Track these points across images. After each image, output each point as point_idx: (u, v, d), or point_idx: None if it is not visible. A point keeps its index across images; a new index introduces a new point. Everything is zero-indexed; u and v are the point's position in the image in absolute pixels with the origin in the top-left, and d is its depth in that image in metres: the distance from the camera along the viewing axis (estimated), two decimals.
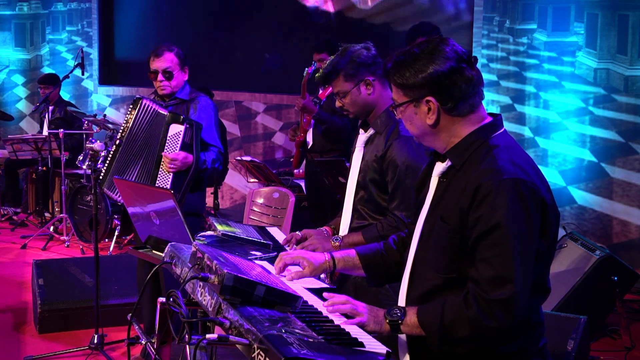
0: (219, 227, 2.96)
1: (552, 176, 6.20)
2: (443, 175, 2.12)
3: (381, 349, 1.88)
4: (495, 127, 2.09)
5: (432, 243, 2.10)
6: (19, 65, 11.29)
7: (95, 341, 4.27)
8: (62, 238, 7.01)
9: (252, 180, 6.60)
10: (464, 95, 2.04)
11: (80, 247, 6.77)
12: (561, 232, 4.89)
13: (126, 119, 4.13)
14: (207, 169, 4.04)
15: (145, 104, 4.07)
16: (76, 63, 6.88)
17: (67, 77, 6.97)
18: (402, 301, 2.20)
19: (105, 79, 10.38)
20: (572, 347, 3.73)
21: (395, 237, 2.45)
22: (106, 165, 4.17)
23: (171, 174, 3.92)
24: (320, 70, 3.15)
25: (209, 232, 3.02)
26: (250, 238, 2.97)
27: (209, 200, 7.11)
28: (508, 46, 6.56)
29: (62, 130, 6.94)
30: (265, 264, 2.57)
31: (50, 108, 8.01)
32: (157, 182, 3.94)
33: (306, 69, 5.60)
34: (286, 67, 8.29)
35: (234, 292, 1.93)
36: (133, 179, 4.00)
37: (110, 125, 6.59)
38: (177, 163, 3.90)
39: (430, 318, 1.99)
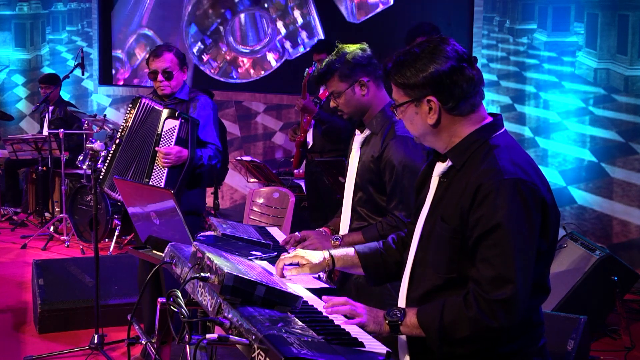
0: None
1: (552, 176, 6.20)
2: (443, 176, 2.12)
3: (381, 349, 1.88)
4: (495, 127, 2.09)
5: (432, 243, 2.10)
6: (19, 65, 11.29)
7: (95, 341, 4.27)
8: (62, 238, 7.01)
9: (252, 180, 6.60)
10: (465, 95, 2.04)
11: (80, 247, 6.77)
12: (561, 232, 4.89)
13: (125, 118, 4.15)
14: (204, 165, 4.04)
15: (144, 102, 4.08)
16: (76, 63, 6.88)
17: (67, 77, 6.97)
18: (402, 301, 2.20)
19: (105, 79, 10.38)
20: (572, 347, 3.73)
21: (395, 236, 2.45)
22: (106, 165, 4.17)
23: (166, 168, 3.93)
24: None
25: (209, 232, 3.03)
26: (250, 238, 2.97)
27: (209, 200, 7.11)
28: (508, 46, 6.56)
29: (62, 130, 6.95)
30: (265, 264, 2.57)
31: (50, 108, 8.02)
32: (152, 177, 3.95)
33: (307, 69, 5.61)
34: (286, 67, 8.29)
35: (234, 292, 1.93)
36: (130, 176, 4.01)
37: (110, 125, 6.61)
38: (171, 157, 3.91)
39: (430, 318, 1.99)
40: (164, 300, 2.00)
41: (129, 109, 4.14)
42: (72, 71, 6.86)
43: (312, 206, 5.81)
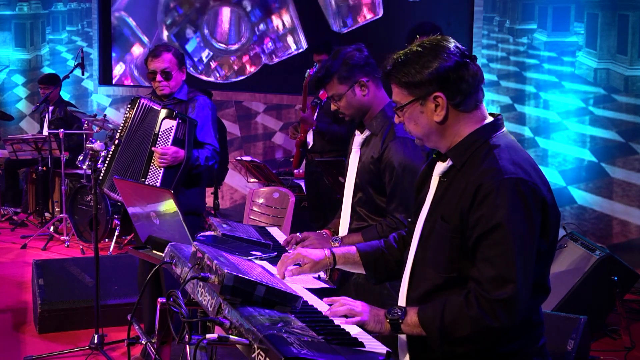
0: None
1: (552, 176, 6.20)
2: (444, 175, 2.12)
3: (381, 349, 1.88)
4: (496, 127, 2.09)
5: (432, 242, 2.10)
6: (19, 65, 11.29)
7: (95, 341, 4.27)
8: (62, 238, 7.01)
9: (252, 180, 6.60)
10: (471, 90, 2.04)
11: (80, 247, 6.77)
12: (561, 232, 4.89)
13: (124, 118, 4.15)
14: (200, 166, 4.05)
15: (143, 102, 4.08)
16: (76, 63, 6.89)
17: (67, 77, 6.97)
18: (402, 301, 2.19)
19: (105, 79, 10.38)
20: (572, 347, 3.73)
21: (396, 235, 2.45)
22: (105, 165, 4.17)
23: (162, 168, 3.93)
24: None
25: (209, 232, 3.03)
26: (250, 238, 2.97)
27: (209, 200, 7.11)
28: (508, 46, 6.56)
29: (62, 130, 6.94)
30: (265, 264, 2.57)
31: (50, 108, 8.02)
32: (148, 177, 3.96)
33: (308, 70, 5.60)
34: (286, 67, 8.30)
35: (234, 292, 1.93)
36: (127, 176, 4.01)
37: (110, 125, 6.61)
38: (167, 158, 3.91)
39: (430, 317, 1.99)
40: (164, 300, 2.00)
41: (128, 109, 4.15)
42: (72, 71, 6.86)
43: (312, 206, 5.81)
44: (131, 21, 9.95)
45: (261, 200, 5.63)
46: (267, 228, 3.38)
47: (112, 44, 10.20)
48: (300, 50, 8.25)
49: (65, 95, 9.43)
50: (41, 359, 4.29)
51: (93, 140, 6.58)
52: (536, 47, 6.40)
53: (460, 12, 6.84)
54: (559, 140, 6.28)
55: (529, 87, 6.43)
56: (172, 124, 3.96)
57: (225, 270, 1.92)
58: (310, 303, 2.18)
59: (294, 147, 5.90)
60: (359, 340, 1.91)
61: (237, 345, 1.80)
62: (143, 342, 4.10)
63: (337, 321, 2.05)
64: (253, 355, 1.72)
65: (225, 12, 8.87)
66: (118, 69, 10.24)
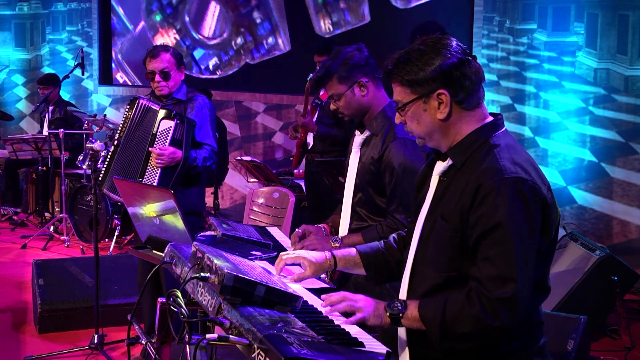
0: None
1: (552, 176, 6.20)
2: (444, 174, 2.12)
3: (381, 348, 1.88)
4: (496, 126, 2.10)
5: (432, 242, 2.10)
6: (19, 65, 11.29)
7: (95, 341, 4.27)
8: (62, 238, 7.01)
9: (252, 180, 6.60)
10: (474, 87, 2.05)
11: (80, 247, 6.77)
12: (561, 232, 4.89)
13: (124, 118, 4.15)
14: (198, 167, 4.05)
15: (142, 103, 4.09)
16: (76, 63, 6.89)
17: (67, 77, 6.97)
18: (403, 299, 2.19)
19: (105, 79, 10.38)
20: (572, 347, 3.72)
21: (396, 235, 2.45)
22: (105, 166, 4.17)
23: (159, 169, 3.93)
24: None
25: (209, 232, 3.02)
26: (250, 238, 2.97)
27: (209, 200, 7.11)
28: (508, 46, 6.56)
29: (62, 130, 6.94)
30: (265, 264, 2.57)
31: (50, 108, 8.01)
32: (145, 177, 3.96)
33: (310, 74, 5.58)
34: (286, 67, 8.29)
35: (234, 292, 1.93)
36: (125, 176, 4.01)
37: (110, 125, 6.61)
38: (165, 158, 3.92)
39: (431, 313, 1.99)
40: (164, 300, 2.00)
41: (127, 109, 4.15)
42: (72, 71, 6.86)
43: (312, 206, 5.81)
44: (120, 10, 10.03)
45: (261, 200, 5.63)
46: (267, 228, 3.38)
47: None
48: (284, 52, 8.33)
49: (65, 95, 9.44)
50: (41, 359, 4.29)
51: (93, 140, 6.57)
52: (536, 47, 6.40)
53: (460, 12, 6.84)
54: (559, 140, 6.28)
55: (529, 87, 6.43)
56: (170, 124, 3.96)
57: (225, 270, 1.92)
58: (310, 303, 2.18)
59: (294, 147, 5.90)
60: (359, 340, 1.91)
61: (237, 345, 1.80)
62: (143, 342, 4.10)
63: (337, 321, 2.05)
64: (253, 355, 1.72)
65: (211, 6, 8.92)
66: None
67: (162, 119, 3.98)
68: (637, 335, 4.64)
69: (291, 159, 6.53)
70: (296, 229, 3.08)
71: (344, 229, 3.14)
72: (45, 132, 7.63)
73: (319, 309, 2.14)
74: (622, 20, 5.96)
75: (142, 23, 9.75)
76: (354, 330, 1.99)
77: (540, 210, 1.97)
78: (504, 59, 6.57)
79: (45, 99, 7.55)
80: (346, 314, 2.09)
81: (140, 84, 9.81)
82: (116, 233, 6.69)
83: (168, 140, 3.95)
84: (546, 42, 6.35)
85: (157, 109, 4.02)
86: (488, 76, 6.48)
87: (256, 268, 2.28)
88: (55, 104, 8.03)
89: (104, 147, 6.14)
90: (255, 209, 5.65)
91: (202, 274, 2.00)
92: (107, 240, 6.82)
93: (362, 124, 3.10)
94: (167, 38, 9.41)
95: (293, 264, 2.40)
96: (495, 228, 1.93)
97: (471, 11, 6.69)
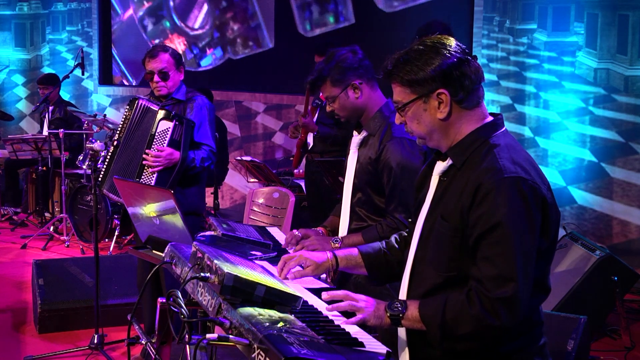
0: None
1: (552, 176, 6.20)
2: (444, 174, 2.12)
3: (381, 349, 1.88)
4: (496, 126, 2.10)
5: (432, 242, 2.10)
6: (19, 65, 11.29)
7: (95, 341, 4.27)
8: (62, 238, 7.01)
9: (252, 180, 6.60)
10: (474, 86, 2.05)
11: (80, 247, 6.77)
12: (561, 232, 4.89)
13: (123, 119, 4.15)
14: (196, 167, 4.04)
15: (141, 103, 4.09)
16: (76, 63, 6.89)
17: (67, 77, 6.97)
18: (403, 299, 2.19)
19: (105, 79, 10.38)
20: (572, 347, 3.72)
21: (397, 236, 2.45)
22: (105, 166, 4.17)
23: (156, 169, 3.93)
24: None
25: (209, 232, 3.03)
26: (250, 238, 2.97)
27: (209, 200, 7.11)
28: (508, 46, 6.56)
29: (62, 130, 6.94)
30: (265, 264, 2.57)
31: (50, 108, 8.01)
32: (143, 177, 3.96)
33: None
34: (286, 67, 8.30)
35: (234, 292, 1.93)
36: (124, 176, 4.01)
37: (110, 125, 6.61)
38: (161, 160, 3.91)
39: (432, 313, 1.99)
40: (164, 300, 2.00)
41: (126, 109, 4.15)
42: (72, 71, 6.86)
43: (312, 206, 5.80)
44: None
45: (261, 200, 5.63)
46: (267, 228, 3.38)
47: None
48: (266, 49, 8.46)
49: (65, 95, 9.44)
50: (41, 359, 4.29)
51: (93, 140, 6.58)
52: (536, 47, 6.40)
53: (460, 12, 6.84)
54: (559, 140, 6.28)
55: (529, 87, 6.43)
56: (168, 125, 3.96)
57: (225, 270, 1.92)
58: (310, 303, 2.18)
59: (294, 147, 5.90)
60: (359, 340, 1.91)
61: (237, 345, 1.80)
62: (143, 342, 4.10)
63: (337, 321, 2.05)
64: (253, 355, 1.72)
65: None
66: None
67: (161, 119, 3.98)
68: (637, 335, 4.64)
69: (291, 159, 6.53)
70: (294, 231, 3.09)
71: (343, 229, 3.15)
72: (45, 132, 7.62)
73: (319, 309, 2.14)
74: (622, 20, 5.96)
75: (131, 10, 9.82)
76: (354, 330, 2.00)
77: (540, 210, 1.97)
78: (504, 59, 6.57)
79: (45, 99, 7.55)
80: (346, 314, 2.09)
81: (133, 80, 9.83)
82: (116, 233, 6.69)
83: (166, 141, 3.94)
84: (546, 42, 6.35)
85: (156, 109, 4.01)
86: (488, 76, 6.48)
87: (256, 268, 2.28)
88: (55, 104, 8.03)
89: (104, 147, 6.15)
90: (255, 209, 5.65)
91: (202, 274, 2.00)
92: (107, 240, 6.82)
93: (360, 125, 3.10)
94: (178, 45, 9.43)
95: (296, 266, 2.40)
96: (495, 227, 1.93)
97: (471, 11, 6.70)
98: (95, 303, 4.28)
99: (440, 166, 2.13)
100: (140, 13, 9.76)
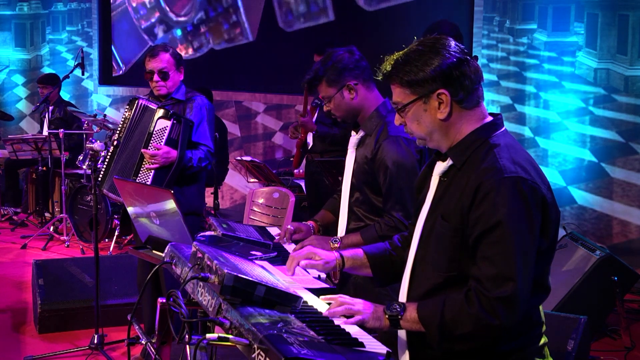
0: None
1: (552, 176, 6.20)
2: (444, 175, 2.12)
3: (381, 349, 1.88)
4: (496, 126, 2.10)
5: (432, 242, 2.10)
6: (19, 65, 11.29)
7: (95, 341, 4.27)
8: (62, 238, 7.01)
9: (252, 180, 6.60)
10: (474, 86, 2.05)
11: (80, 247, 6.77)
12: (561, 232, 4.89)
13: (123, 119, 4.15)
14: (193, 167, 4.05)
15: (140, 102, 4.09)
16: (76, 63, 6.89)
17: (67, 77, 6.97)
18: (402, 300, 2.19)
19: (105, 79, 10.38)
20: (572, 347, 3.72)
21: (400, 236, 2.45)
22: (105, 166, 4.17)
23: (153, 168, 3.94)
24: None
25: (209, 232, 3.03)
26: (250, 238, 2.97)
27: (209, 200, 7.11)
28: (508, 46, 6.56)
29: (62, 130, 6.94)
30: (265, 264, 2.57)
31: (50, 108, 8.01)
32: (140, 175, 3.96)
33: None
34: (286, 67, 8.30)
35: (234, 292, 1.93)
36: (122, 176, 4.01)
37: (110, 125, 6.61)
38: (158, 159, 3.92)
39: (430, 314, 1.99)
40: (164, 300, 2.00)
41: (126, 109, 4.15)
42: (72, 71, 6.86)
43: (312, 206, 5.80)
44: None
45: (261, 200, 5.63)
46: (267, 228, 3.38)
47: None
48: (246, 42, 8.60)
49: (65, 95, 9.44)
50: (41, 359, 4.29)
51: (93, 140, 6.58)
52: (536, 47, 6.40)
53: (460, 12, 6.84)
54: (559, 140, 6.28)
55: (529, 87, 6.43)
56: (166, 124, 3.96)
57: (225, 270, 1.92)
58: (310, 303, 2.18)
59: (294, 147, 5.90)
60: (359, 340, 1.91)
61: (237, 345, 1.80)
62: (143, 342, 4.10)
63: (337, 321, 2.05)
64: (253, 355, 1.72)
65: None
66: None
67: (159, 118, 3.98)
68: (637, 335, 4.64)
69: (291, 159, 6.53)
70: (288, 226, 3.11)
71: (341, 229, 3.15)
72: (45, 132, 7.63)
73: (319, 309, 2.14)
74: (622, 20, 5.96)
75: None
76: (354, 330, 2.00)
77: (540, 210, 1.97)
78: (504, 59, 6.57)
79: (45, 99, 7.55)
80: (346, 316, 2.08)
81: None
82: (116, 233, 6.69)
83: (164, 140, 3.95)
84: (546, 42, 6.35)
85: (155, 108, 4.02)
86: (488, 76, 6.49)
87: (256, 268, 2.28)
88: (55, 104, 8.03)
89: (104, 147, 6.15)
90: (255, 209, 5.65)
91: (202, 274, 2.00)
92: (107, 240, 6.82)
93: (358, 125, 3.11)
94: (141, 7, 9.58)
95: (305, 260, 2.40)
96: (495, 227, 1.93)
97: (471, 11, 6.70)
98: (95, 303, 4.28)
99: (440, 166, 2.13)
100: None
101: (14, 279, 5.96)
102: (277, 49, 8.28)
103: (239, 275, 1.94)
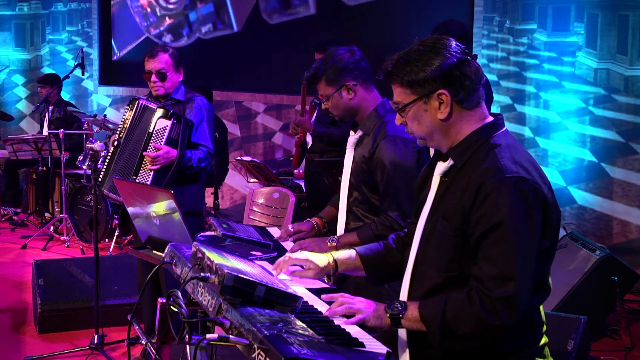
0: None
1: (552, 176, 6.20)
2: (445, 175, 2.12)
3: (381, 349, 1.88)
4: (496, 126, 2.10)
5: (433, 242, 2.10)
6: (19, 65, 11.29)
7: (95, 341, 4.26)
8: (62, 238, 7.01)
9: (252, 180, 6.60)
10: (474, 86, 2.05)
11: (80, 247, 6.77)
12: (561, 232, 4.88)
13: (123, 119, 4.15)
14: (192, 167, 4.05)
15: (140, 103, 4.09)
16: (76, 63, 6.89)
17: (67, 77, 6.97)
18: (403, 300, 2.19)
19: (105, 79, 10.38)
20: (572, 347, 3.72)
21: (395, 236, 2.46)
22: (105, 166, 4.18)
23: (154, 168, 3.94)
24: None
25: (209, 232, 3.03)
26: (250, 238, 2.97)
27: (209, 200, 7.11)
28: (508, 46, 6.55)
29: (62, 130, 6.94)
30: (265, 264, 2.57)
31: (50, 108, 8.01)
32: (139, 175, 3.96)
33: (305, 73, 5.56)
34: (286, 67, 8.30)
35: (234, 292, 1.93)
36: (122, 176, 4.02)
37: (110, 125, 6.61)
38: (159, 159, 3.92)
39: (432, 313, 1.99)
40: (164, 300, 2.00)
41: (126, 109, 4.15)
42: (72, 71, 6.86)
43: (312, 206, 5.80)
44: None
45: (261, 200, 5.63)
46: (267, 228, 3.38)
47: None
48: (229, 32, 8.75)
49: (65, 95, 9.44)
50: (41, 359, 4.29)
51: (93, 140, 6.58)
52: (536, 47, 6.40)
53: (460, 12, 6.83)
54: (559, 140, 6.28)
55: (529, 87, 6.43)
56: (166, 123, 3.97)
57: (225, 271, 1.92)
58: (310, 303, 2.18)
59: (294, 147, 5.90)
60: (359, 340, 1.91)
61: (237, 345, 1.80)
62: (143, 342, 4.10)
63: (337, 321, 2.05)
64: (253, 355, 1.72)
65: None
66: None
67: (159, 117, 3.98)
68: (637, 335, 4.64)
69: (291, 159, 6.53)
70: (288, 226, 3.11)
71: (340, 229, 3.15)
72: (45, 132, 7.63)
73: (319, 309, 2.14)
74: (622, 21, 5.96)
75: None
76: (354, 330, 2.00)
77: (541, 210, 1.97)
78: (504, 59, 6.57)
79: (45, 99, 7.55)
80: (346, 315, 2.09)
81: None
82: (116, 233, 6.69)
83: (164, 139, 3.95)
84: (546, 42, 6.35)
85: (155, 107, 4.02)
86: (488, 76, 6.48)
87: (256, 268, 2.28)
88: (55, 104, 8.03)
89: (104, 147, 6.15)
90: (255, 209, 5.64)
91: (202, 274, 2.00)
92: (107, 240, 6.82)
93: (356, 124, 3.12)
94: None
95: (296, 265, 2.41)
96: (496, 227, 1.93)
97: (471, 11, 6.70)
98: (95, 303, 4.28)
99: (441, 166, 2.13)
100: None
101: (14, 279, 5.96)
102: (261, 40, 8.36)
103: (239, 275, 1.94)
